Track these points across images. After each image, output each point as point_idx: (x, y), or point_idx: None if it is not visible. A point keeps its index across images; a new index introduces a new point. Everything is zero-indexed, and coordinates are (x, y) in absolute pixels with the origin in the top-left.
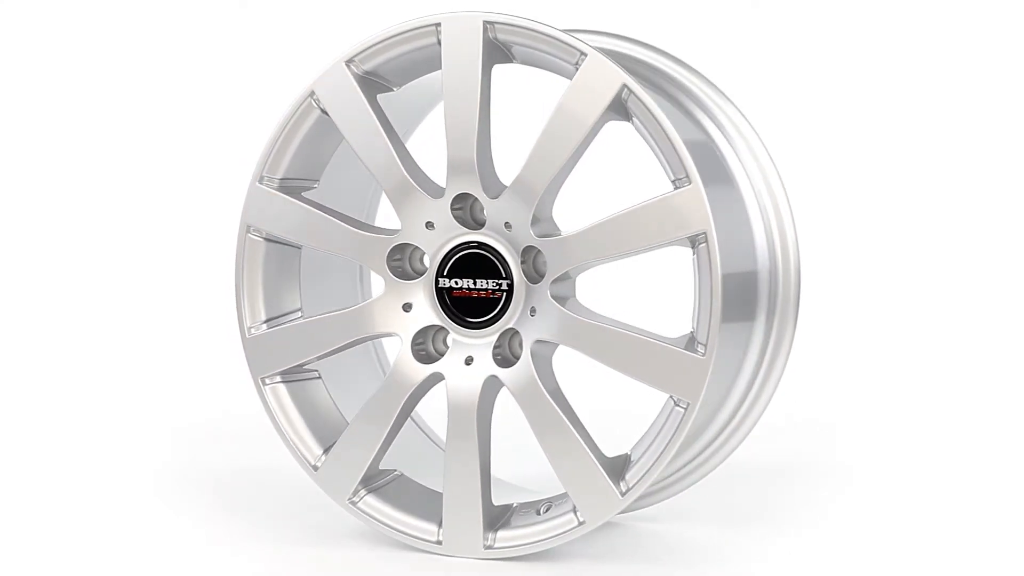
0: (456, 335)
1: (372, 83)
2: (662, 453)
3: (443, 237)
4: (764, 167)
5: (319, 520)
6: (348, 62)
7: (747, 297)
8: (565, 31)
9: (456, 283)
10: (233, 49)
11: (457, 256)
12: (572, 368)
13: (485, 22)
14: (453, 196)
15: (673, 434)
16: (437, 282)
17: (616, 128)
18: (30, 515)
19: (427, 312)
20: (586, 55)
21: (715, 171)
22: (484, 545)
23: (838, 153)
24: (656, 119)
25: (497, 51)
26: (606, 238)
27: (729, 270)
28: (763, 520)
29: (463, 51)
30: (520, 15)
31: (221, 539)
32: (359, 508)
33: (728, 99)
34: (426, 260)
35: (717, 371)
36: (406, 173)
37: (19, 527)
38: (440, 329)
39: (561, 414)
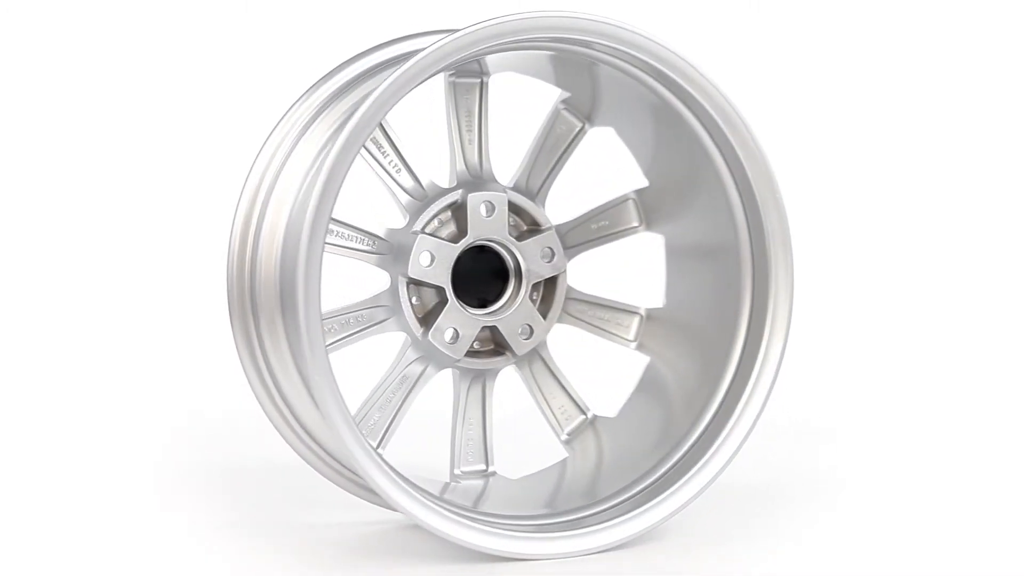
0: None
1: None
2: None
3: None
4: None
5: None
6: None
7: None
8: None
9: None
10: (235, 50)
11: None
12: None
13: None
14: None
15: None
16: None
17: None
18: (28, 514)
19: None
20: None
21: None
22: None
23: (840, 153)
24: None
25: None
26: None
27: None
28: (761, 523)
29: None
30: None
31: (220, 536)
32: None
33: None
34: None
35: None
36: None
37: (18, 527)
38: None
39: None
